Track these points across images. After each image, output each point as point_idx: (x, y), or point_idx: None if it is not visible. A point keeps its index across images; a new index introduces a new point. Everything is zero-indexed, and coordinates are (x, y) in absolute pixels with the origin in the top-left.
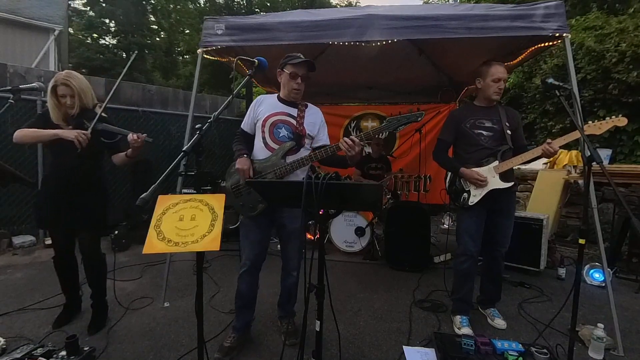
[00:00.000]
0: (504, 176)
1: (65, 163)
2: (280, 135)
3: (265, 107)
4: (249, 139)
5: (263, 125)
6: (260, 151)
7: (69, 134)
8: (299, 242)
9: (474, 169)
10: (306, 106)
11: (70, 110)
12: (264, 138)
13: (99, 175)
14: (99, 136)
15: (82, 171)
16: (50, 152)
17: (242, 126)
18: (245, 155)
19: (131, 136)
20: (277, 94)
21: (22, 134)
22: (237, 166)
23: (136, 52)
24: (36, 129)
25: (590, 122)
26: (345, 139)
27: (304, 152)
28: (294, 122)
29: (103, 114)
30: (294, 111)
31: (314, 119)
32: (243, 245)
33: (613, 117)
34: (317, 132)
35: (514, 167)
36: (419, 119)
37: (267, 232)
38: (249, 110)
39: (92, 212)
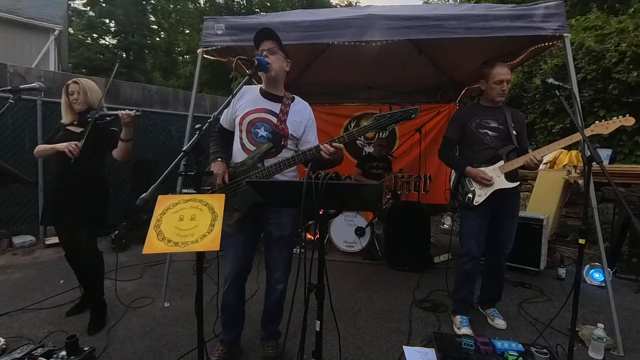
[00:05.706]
0: (509, 176)
1: (66, 164)
2: (259, 135)
3: (245, 101)
4: (228, 136)
5: (240, 124)
6: (238, 154)
7: (62, 147)
8: (287, 251)
9: (479, 168)
10: (292, 99)
11: (76, 104)
12: (241, 139)
13: (100, 175)
14: (102, 137)
15: (81, 172)
16: (55, 157)
17: (220, 122)
18: (220, 159)
19: (121, 113)
20: (260, 86)
21: (37, 150)
22: (212, 170)
23: (118, 63)
24: (42, 145)
25: (597, 121)
26: (326, 145)
27: (285, 154)
28: (275, 120)
29: (109, 112)
30: (276, 107)
31: (300, 116)
32: (226, 256)
33: (620, 117)
34: (302, 133)
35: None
36: (413, 116)
37: (252, 242)
38: (229, 103)
39: (89, 210)
